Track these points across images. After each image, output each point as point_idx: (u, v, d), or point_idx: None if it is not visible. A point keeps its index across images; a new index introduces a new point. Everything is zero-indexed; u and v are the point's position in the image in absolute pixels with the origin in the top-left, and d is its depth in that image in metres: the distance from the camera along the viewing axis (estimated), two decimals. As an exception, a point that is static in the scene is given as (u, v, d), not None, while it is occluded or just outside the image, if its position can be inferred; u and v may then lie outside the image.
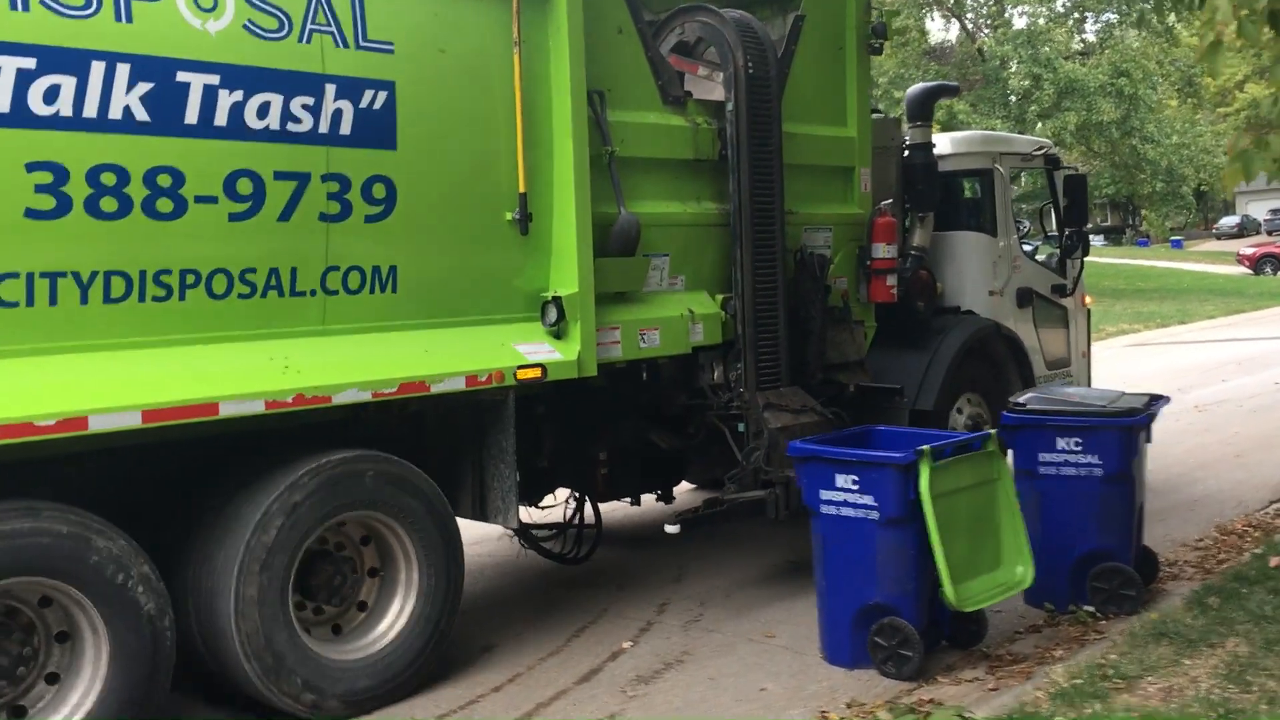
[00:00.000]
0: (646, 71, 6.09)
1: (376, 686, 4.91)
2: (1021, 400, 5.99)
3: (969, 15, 36.47)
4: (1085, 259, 9.06)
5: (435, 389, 5.01)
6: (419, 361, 5.02)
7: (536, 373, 5.35)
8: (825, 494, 5.11)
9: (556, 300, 5.50)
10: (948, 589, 4.85)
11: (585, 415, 6.18)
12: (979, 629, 5.38)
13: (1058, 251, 8.98)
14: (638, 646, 5.67)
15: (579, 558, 6.73)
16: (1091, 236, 9.14)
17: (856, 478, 4.98)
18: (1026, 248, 8.88)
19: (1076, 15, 35.71)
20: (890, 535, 4.95)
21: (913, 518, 4.91)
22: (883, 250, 7.32)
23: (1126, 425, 5.65)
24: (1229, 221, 57.94)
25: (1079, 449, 5.67)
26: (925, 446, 4.85)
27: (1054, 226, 8.97)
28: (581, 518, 6.77)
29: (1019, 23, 34.72)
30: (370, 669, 4.91)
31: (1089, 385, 9.19)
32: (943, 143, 8.25)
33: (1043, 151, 8.78)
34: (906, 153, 7.86)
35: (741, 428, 6.40)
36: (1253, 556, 6.27)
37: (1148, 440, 5.84)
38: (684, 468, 7.21)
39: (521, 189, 5.36)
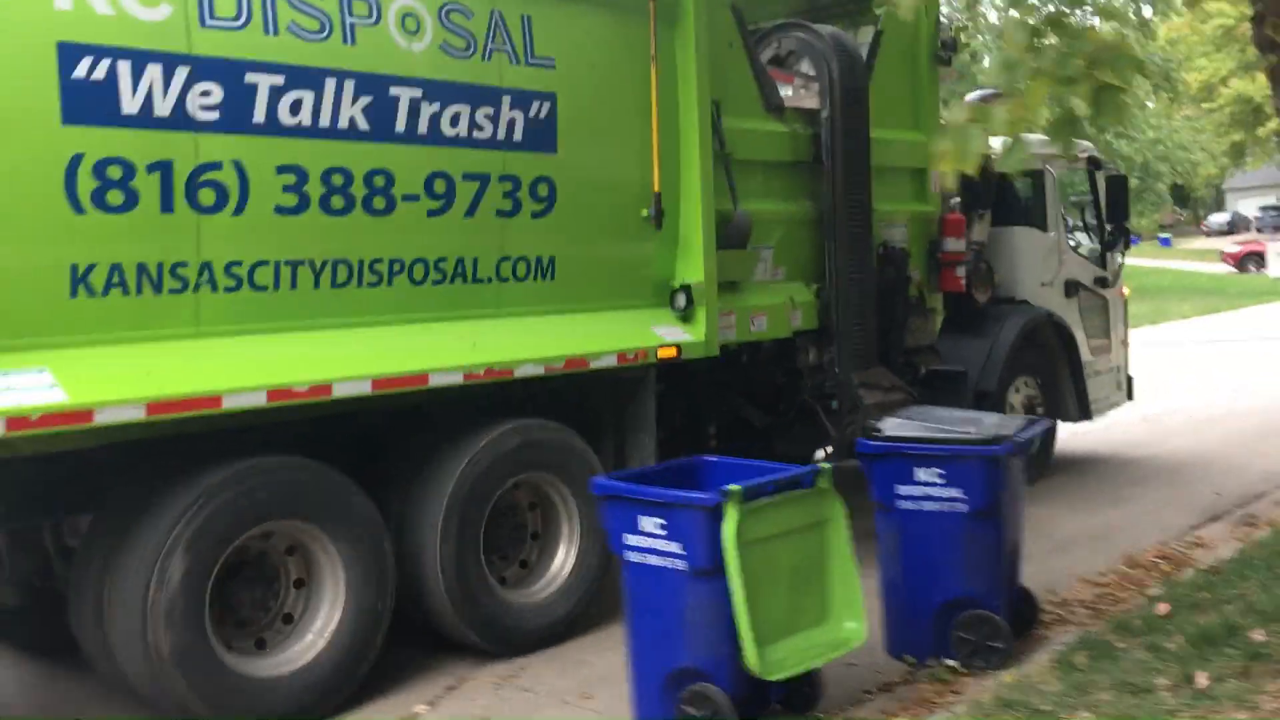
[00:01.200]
0: (751, 82, 6.77)
1: (545, 627, 5.56)
2: (880, 425, 5.19)
3: (944, 9, 37.02)
4: (1126, 253, 9.77)
5: (593, 365, 5.68)
6: (578, 340, 5.69)
7: (674, 351, 6.02)
8: (630, 539, 4.27)
9: (686, 288, 6.16)
10: (749, 654, 4.02)
11: (699, 393, 6.83)
12: (813, 692, 4.52)
13: (1098, 246, 9.69)
14: (434, 710, 4.88)
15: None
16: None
17: (663, 521, 4.15)
18: (1071, 242, 9.58)
19: (1050, 8, 36.30)
20: (700, 588, 4.10)
21: (726, 568, 4.09)
22: (952, 244, 8.02)
23: (992, 455, 4.83)
24: (1218, 219, 58.42)
25: (941, 481, 4.88)
26: (735, 486, 4.05)
27: (1095, 223, 9.67)
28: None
29: (992, 16, 35.36)
30: (538, 611, 5.56)
31: (1127, 371, 9.91)
32: (998, 145, 8.93)
33: (1087, 154, 9.49)
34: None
35: (835, 405, 7.07)
36: (1146, 600, 5.53)
37: (1026, 469, 5.18)
38: (771, 445, 7.87)
39: (656, 188, 6.03)
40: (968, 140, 3.28)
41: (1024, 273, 8.94)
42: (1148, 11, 36.32)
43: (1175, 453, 9.95)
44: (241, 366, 4.54)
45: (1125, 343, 9.97)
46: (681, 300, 6.18)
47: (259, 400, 4.51)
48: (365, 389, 4.83)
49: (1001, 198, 8.90)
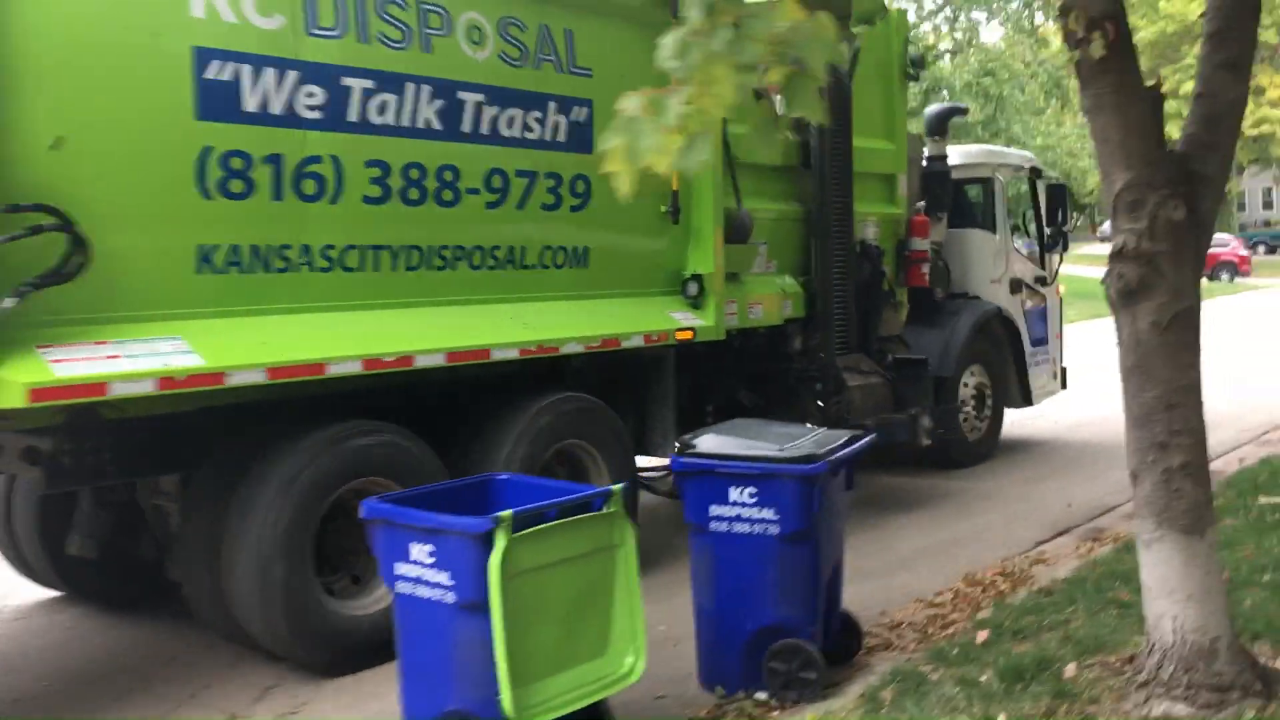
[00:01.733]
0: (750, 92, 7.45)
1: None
2: (694, 440, 4.79)
3: (843, 9, 38.00)
4: (1064, 254, 10.72)
5: (624, 344, 6.32)
6: (610, 322, 6.32)
7: (690, 334, 6.69)
8: (400, 567, 3.91)
9: (697, 277, 6.83)
10: (504, 698, 3.65)
11: (700, 376, 7.50)
12: None
13: (1037, 248, 10.62)
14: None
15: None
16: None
17: (433, 548, 3.80)
18: (1015, 244, 10.48)
19: (946, 14, 37.63)
20: (470, 623, 3.72)
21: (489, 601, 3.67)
22: (918, 243, 8.84)
23: (805, 474, 4.45)
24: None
25: (753, 501, 4.53)
26: (506, 512, 3.71)
27: (1036, 226, 10.59)
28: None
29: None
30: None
31: (1061, 363, 10.85)
32: (954, 155, 9.80)
33: (1030, 164, 10.41)
34: (926, 163, 9.38)
35: (819, 387, 7.81)
36: (972, 624, 5.18)
37: (849, 488, 4.82)
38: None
39: (674, 186, 6.69)
40: (638, 135, 2.61)
41: (976, 271, 9.81)
42: (1039, 18, 37.95)
43: (1033, 461, 9.79)
44: (338, 338, 5.08)
45: (1060, 336, 10.91)
46: (694, 288, 6.85)
47: (356, 368, 5.07)
48: (440, 360, 5.41)
49: (956, 202, 9.75)
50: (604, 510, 4.07)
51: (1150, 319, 3.76)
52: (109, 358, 4.33)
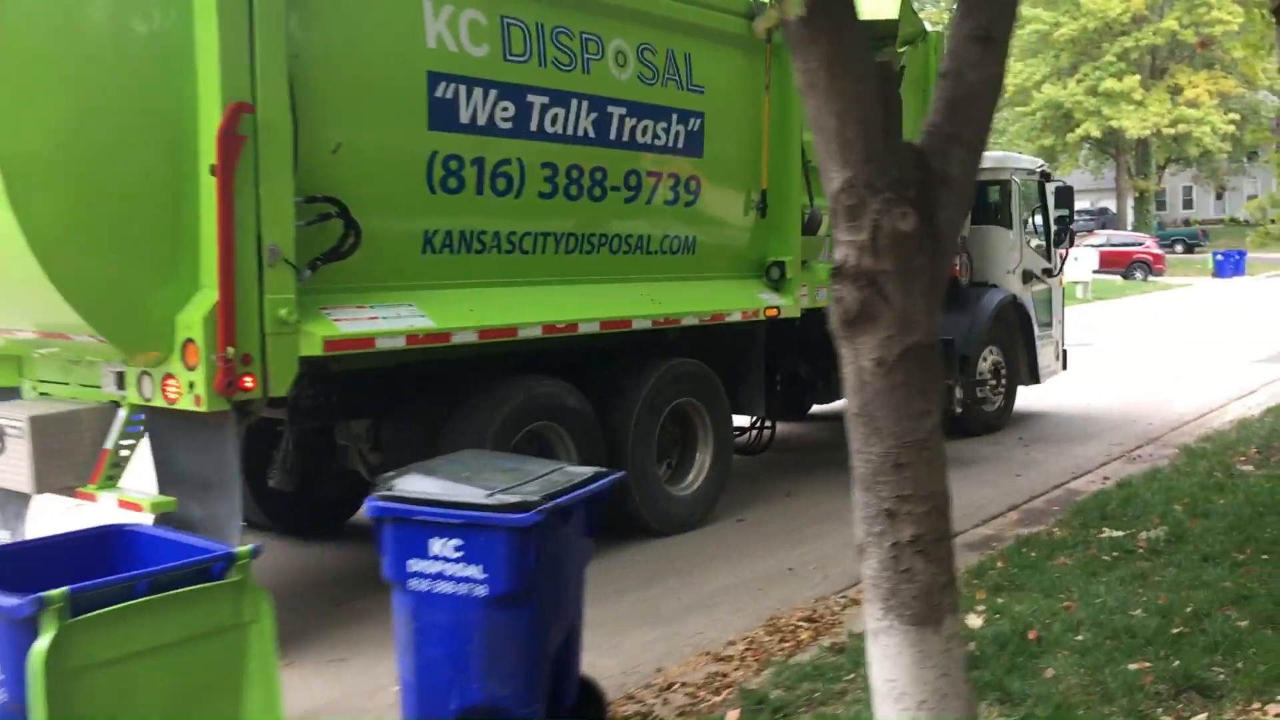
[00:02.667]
0: (818, 105, 8.66)
1: (693, 514, 7.37)
2: (395, 479, 3.88)
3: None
4: (1069, 248, 12.02)
5: (728, 319, 7.51)
6: (715, 300, 7.51)
7: (775, 312, 7.89)
8: None
9: (779, 264, 8.02)
10: None
11: (770, 349, 8.71)
12: None
13: (1045, 243, 11.91)
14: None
15: (760, 449, 9.28)
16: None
17: None
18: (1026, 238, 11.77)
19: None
20: None
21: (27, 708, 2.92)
22: (951, 237, 10.07)
23: (518, 526, 3.63)
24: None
25: (458, 556, 3.73)
26: (57, 591, 2.92)
27: (1043, 224, 11.88)
28: (761, 424, 9.32)
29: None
30: (683, 503, 7.38)
31: (1063, 345, 12.16)
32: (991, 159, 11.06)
33: (1041, 168, 11.71)
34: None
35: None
36: (738, 694, 4.48)
37: (589, 534, 4.06)
38: (810, 394, 9.82)
39: (764, 185, 7.88)
40: None
41: (993, 263, 11.07)
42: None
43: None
44: (521, 307, 6.24)
45: (1062, 322, 12.22)
46: (776, 273, 8.04)
47: (536, 332, 6.23)
48: (595, 327, 6.59)
49: (978, 201, 11.00)
50: (227, 579, 3.28)
51: (873, 355, 2.88)
52: (370, 319, 5.46)
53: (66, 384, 5.73)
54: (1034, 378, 11.40)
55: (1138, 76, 39.18)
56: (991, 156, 11.61)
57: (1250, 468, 7.95)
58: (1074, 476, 8.60)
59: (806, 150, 8.22)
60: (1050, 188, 11.75)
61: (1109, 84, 39.53)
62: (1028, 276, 11.40)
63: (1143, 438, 10.12)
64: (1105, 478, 8.38)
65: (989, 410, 10.81)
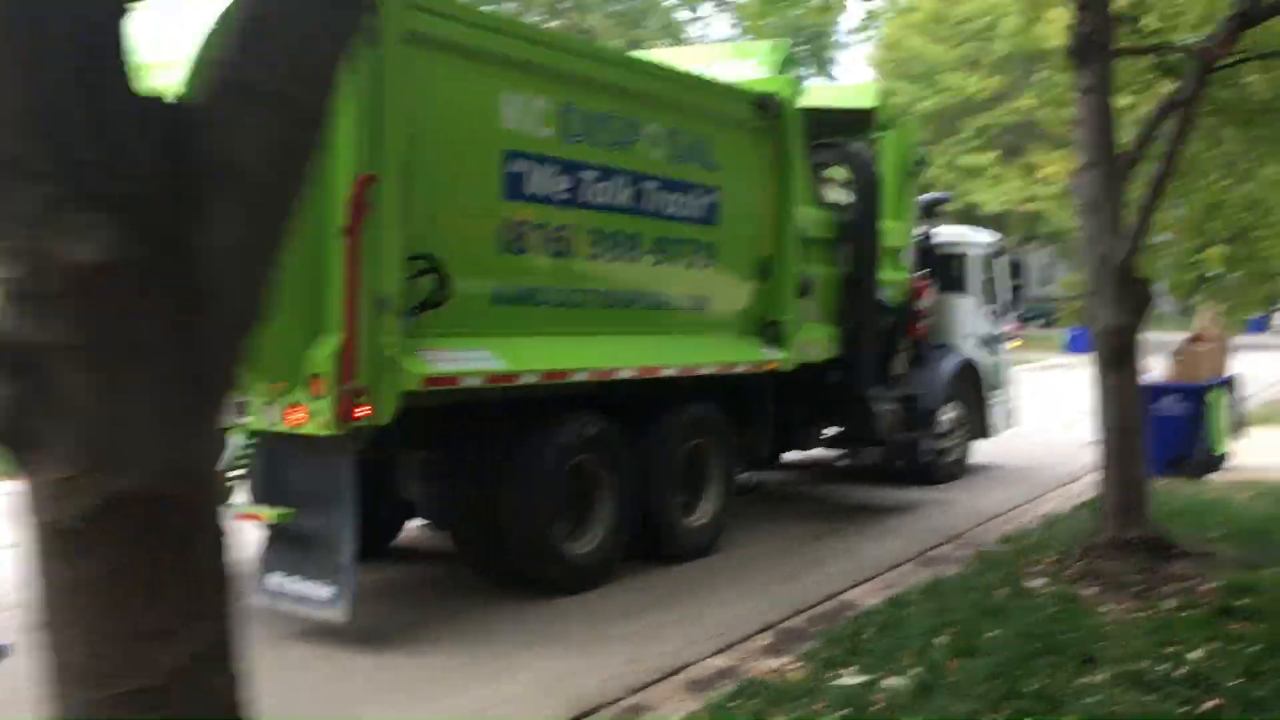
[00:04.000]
0: (807, 183, 9.73)
1: (702, 546, 8.26)
2: None
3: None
4: (1018, 317, 13.23)
5: (737, 369, 8.47)
6: (725, 352, 8.47)
7: (777, 364, 8.86)
8: None
9: (777, 323, 9.02)
10: None
11: (766, 399, 9.67)
12: None
13: (995, 310, 13.11)
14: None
15: (749, 490, 10.20)
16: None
17: None
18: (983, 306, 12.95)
19: None
20: None
21: None
22: (922, 302, 11.18)
23: None
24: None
25: None
26: None
27: (997, 294, 13.08)
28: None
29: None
30: (694, 534, 8.27)
31: (1010, 404, 13.30)
32: (939, 235, 12.23)
33: (996, 245, 12.95)
34: (920, 239, 11.79)
35: (855, 409, 10.09)
36: None
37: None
38: (788, 442, 10.78)
39: (766, 252, 8.89)
40: None
41: (952, 327, 12.21)
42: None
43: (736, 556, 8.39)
44: (572, 355, 7.13)
45: (1009, 384, 13.40)
46: (773, 331, 9.03)
47: (584, 376, 7.13)
48: (634, 373, 7.50)
49: (941, 271, 12.16)
50: None
51: (47, 513, 1.80)
52: (454, 360, 6.32)
53: (171, 412, 6.49)
54: (985, 433, 12.52)
55: (996, 153, 40.45)
56: (949, 230, 12.82)
57: (1042, 581, 6.94)
58: (855, 584, 7.42)
59: (801, 223, 9.31)
60: (1003, 261, 12.96)
61: (967, 159, 40.81)
62: (983, 341, 12.56)
63: (947, 533, 9.11)
64: (887, 585, 7.29)
65: (948, 461, 11.87)
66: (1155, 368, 11.22)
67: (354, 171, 5.64)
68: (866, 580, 7.57)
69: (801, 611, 6.75)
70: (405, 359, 6.00)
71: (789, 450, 10.96)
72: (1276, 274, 9.07)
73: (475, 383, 6.38)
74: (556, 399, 7.27)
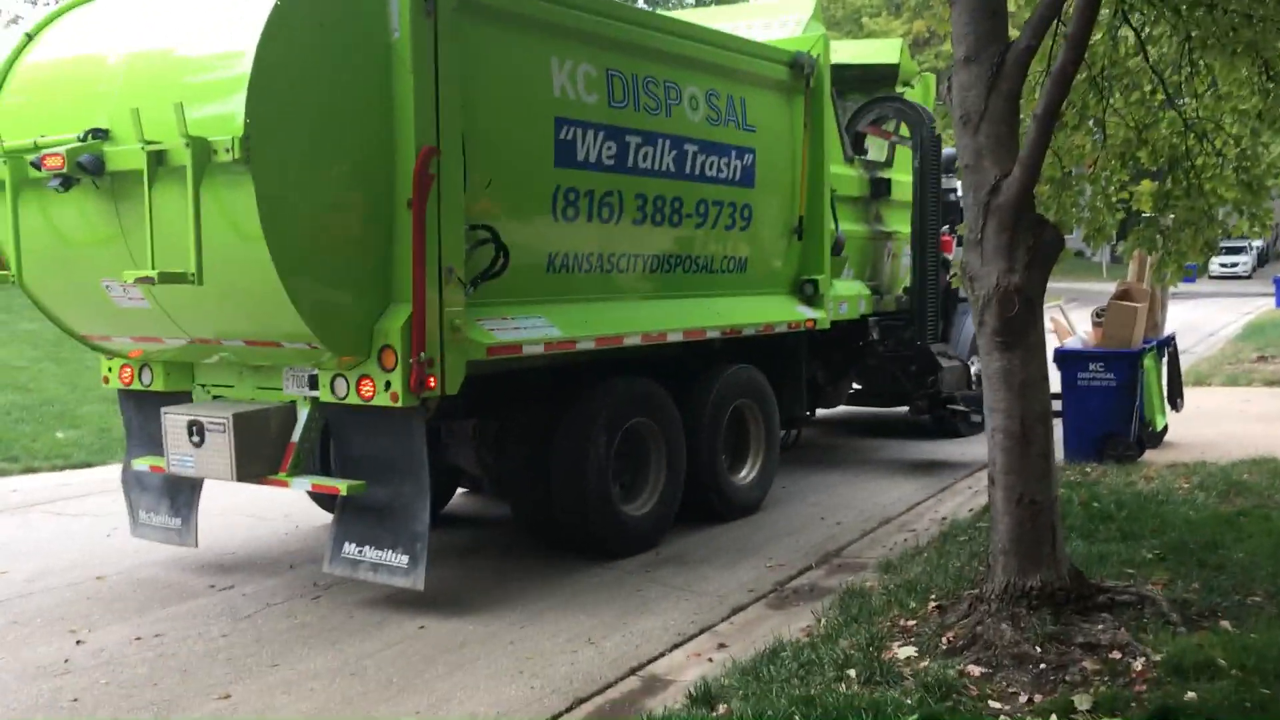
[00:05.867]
0: (838, 141, 9.77)
1: (749, 501, 8.39)
2: None
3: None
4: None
5: (775, 329, 8.55)
6: (765, 313, 8.54)
7: (812, 323, 8.94)
8: None
9: (813, 281, 9.08)
10: None
11: (802, 357, 9.76)
12: None
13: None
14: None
15: (789, 446, 10.32)
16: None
17: None
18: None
19: None
20: None
21: None
22: (948, 257, 11.26)
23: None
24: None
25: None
26: None
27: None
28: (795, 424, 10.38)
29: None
30: (742, 491, 8.39)
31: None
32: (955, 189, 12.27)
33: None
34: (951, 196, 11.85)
35: (913, 368, 10.19)
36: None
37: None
38: (819, 399, 10.89)
39: (801, 212, 8.95)
40: None
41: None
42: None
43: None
44: (622, 320, 7.21)
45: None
46: (809, 289, 9.10)
47: (637, 340, 7.20)
48: (680, 337, 7.58)
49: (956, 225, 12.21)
50: None
51: None
52: (515, 329, 6.40)
53: (232, 386, 6.57)
54: None
55: None
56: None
57: (910, 652, 4.92)
58: (669, 648, 5.60)
59: (833, 181, 9.35)
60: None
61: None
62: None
63: (818, 551, 7.32)
64: (702, 656, 5.39)
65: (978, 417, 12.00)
66: (1077, 329, 10.53)
67: (416, 143, 5.68)
68: (687, 639, 5.68)
69: (581, 701, 4.97)
70: (470, 329, 6.07)
71: (819, 408, 11.08)
72: (1221, 214, 6.99)
73: (537, 350, 6.45)
74: (607, 363, 7.36)
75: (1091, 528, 6.88)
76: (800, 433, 10.48)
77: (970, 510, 7.95)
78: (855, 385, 11.50)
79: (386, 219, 5.74)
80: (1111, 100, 6.47)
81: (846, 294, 9.72)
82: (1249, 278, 50.57)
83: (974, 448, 10.89)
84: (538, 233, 6.72)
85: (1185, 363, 17.23)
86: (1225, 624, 5.03)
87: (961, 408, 10.72)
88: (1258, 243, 56.12)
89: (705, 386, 8.04)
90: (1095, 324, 9.99)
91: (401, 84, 5.69)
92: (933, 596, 5.61)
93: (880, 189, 10.35)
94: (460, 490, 8.64)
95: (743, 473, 8.53)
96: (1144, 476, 8.57)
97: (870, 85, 10.66)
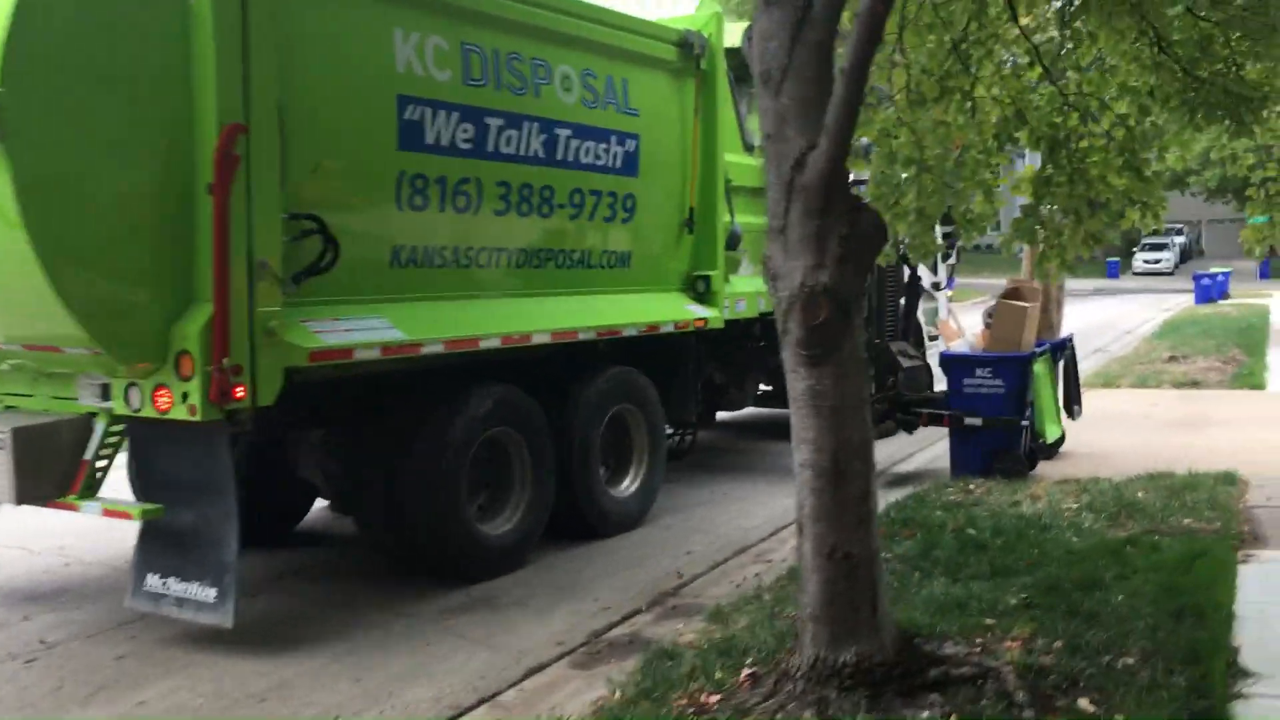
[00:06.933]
0: (735, 128, 9.16)
1: (631, 515, 7.75)
2: None
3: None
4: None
5: (662, 329, 7.92)
6: (650, 312, 7.91)
7: (703, 322, 8.33)
8: None
9: (705, 278, 8.48)
10: None
11: (690, 358, 9.14)
12: None
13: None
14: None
15: (684, 453, 9.70)
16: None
17: None
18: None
19: None
20: None
21: None
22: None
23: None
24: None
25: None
26: None
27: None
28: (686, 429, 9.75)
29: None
30: (625, 504, 7.75)
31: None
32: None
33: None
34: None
35: (872, 370, 9.56)
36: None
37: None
38: (722, 401, 10.30)
39: (692, 204, 8.33)
40: None
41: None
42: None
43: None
44: (480, 320, 6.53)
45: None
46: (702, 286, 8.49)
47: (496, 343, 6.53)
48: (547, 339, 6.91)
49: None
50: None
51: None
52: (347, 331, 5.69)
53: (32, 396, 5.79)
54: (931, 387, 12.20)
55: None
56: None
57: None
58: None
59: (728, 171, 8.74)
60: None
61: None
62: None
63: (654, 589, 6.33)
64: None
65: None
66: (967, 332, 9.79)
67: (219, 120, 4.96)
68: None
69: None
70: (288, 331, 5.37)
71: (720, 411, 10.49)
72: (1115, 204, 6.13)
73: (371, 355, 5.75)
74: (467, 368, 6.68)
75: (960, 561, 6.03)
76: (695, 438, 9.86)
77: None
78: (765, 386, 10.91)
79: (186, 206, 5.01)
80: (977, 71, 5.79)
81: (744, 291, 9.12)
82: (1172, 274, 51.07)
83: (886, 447, 10.32)
84: (379, 223, 6.03)
85: (1098, 362, 17.05)
86: (1084, 702, 4.05)
87: (930, 410, 9.51)
88: (1179, 239, 56.79)
89: (579, 392, 7.39)
90: (986, 325, 9.26)
91: (201, 50, 4.97)
92: (749, 661, 4.57)
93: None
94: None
95: (624, 484, 7.89)
96: (1031, 495, 7.73)
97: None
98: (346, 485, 6.60)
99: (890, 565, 6.06)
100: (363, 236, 5.91)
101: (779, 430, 11.55)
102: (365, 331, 5.78)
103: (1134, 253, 54.62)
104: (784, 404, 10.97)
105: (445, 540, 6.33)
